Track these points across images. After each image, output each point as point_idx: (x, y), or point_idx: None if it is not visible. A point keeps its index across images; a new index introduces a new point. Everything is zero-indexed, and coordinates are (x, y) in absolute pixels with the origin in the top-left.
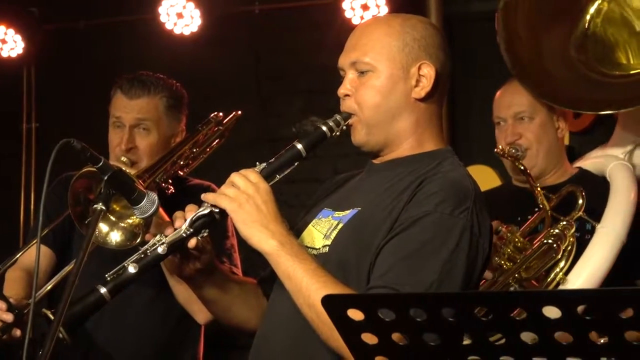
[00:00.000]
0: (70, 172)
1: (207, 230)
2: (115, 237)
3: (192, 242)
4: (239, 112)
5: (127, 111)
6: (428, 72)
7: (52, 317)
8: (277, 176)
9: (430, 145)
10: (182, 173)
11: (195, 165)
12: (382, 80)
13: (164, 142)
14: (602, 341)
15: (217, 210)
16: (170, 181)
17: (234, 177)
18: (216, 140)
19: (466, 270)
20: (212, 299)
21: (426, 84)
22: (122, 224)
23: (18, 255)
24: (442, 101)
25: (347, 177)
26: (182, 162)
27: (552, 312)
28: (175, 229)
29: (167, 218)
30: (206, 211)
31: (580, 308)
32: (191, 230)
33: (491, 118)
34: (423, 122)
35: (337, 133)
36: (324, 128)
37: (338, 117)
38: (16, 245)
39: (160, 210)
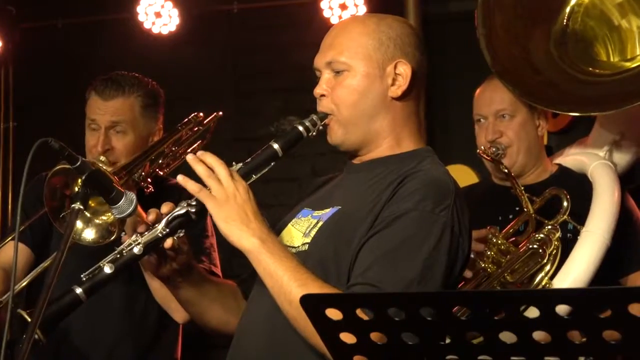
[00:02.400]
0: (47, 171)
1: (183, 231)
2: (90, 234)
3: (168, 243)
4: (220, 113)
5: (102, 113)
6: (404, 71)
7: (28, 318)
8: (254, 176)
9: (409, 145)
10: (162, 173)
11: (176, 165)
12: (358, 80)
13: (141, 142)
14: (582, 339)
15: (193, 210)
16: (149, 180)
17: (218, 168)
18: (197, 142)
19: (446, 267)
20: (189, 300)
21: (402, 83)
22: (97, 221)
23: None
24: (420, 100)
25: (327, 179)
26: (161, 161)
27: (530, 311)
28: (149, 227)
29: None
30: (182, 211)
31: (558, 308)
32: (167, 230)
33: (469, 118)
34: (401, 121)
35: (314, 133)
36: (301, 128)
37: (314, 117)
38: None
39: (139, 209)
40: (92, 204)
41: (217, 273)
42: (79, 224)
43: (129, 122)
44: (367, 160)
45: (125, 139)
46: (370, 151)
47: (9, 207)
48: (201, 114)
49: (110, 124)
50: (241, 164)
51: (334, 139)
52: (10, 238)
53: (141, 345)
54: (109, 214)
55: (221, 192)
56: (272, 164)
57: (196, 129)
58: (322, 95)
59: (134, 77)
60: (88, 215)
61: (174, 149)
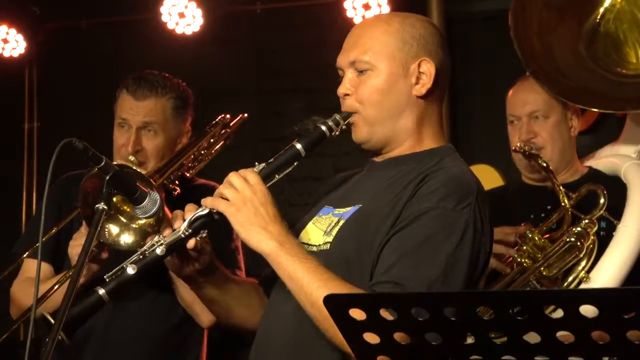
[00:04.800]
0: (71, 172)
1: (205, 231)
2: (127, 238)
3: (191, 243)
4: (245, 115)
5: (134, 113)
6: (428, 69)
7: (51, 319)
8: (277, 176)
9: (431, 143)
10: (188, 174)
11: (201, 167)
12: (382, 79)
13: (170, 143)
14: (606, 340)
15: (215, 211)
16: (177, 182)
17: (232, 177)
18: (221, 142)
19: (469, 265)
20: (212, 299)
21: (426, 81)
22: (134, 225)
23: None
24: (442, 98)
25: (348, 176)
26: (189, 164)
27: (554, 311)
28: (174, 230)
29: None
30: (205, 212)
31: (582, 308)
32: (190, 231)
33: (493, 118)
34: (425, 119)
35: (337, 133)
36: (323, 128)
37: (337, 116)
38: None
39: (167, 211)
40: (127, 209)
41: (241, 276)
42: (114, 229)
43: (160, 123)
44: (388, 158)
45: (155, 139)
46: (393, 149)
47: (33, 207)
48: (228, 116)
49: (142, 124)
50: (264, 163)
51: (359, 137)
52: (29, 252)
53: (165, 348)
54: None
55: (237, 198)
56: (295, 163)
57: (223, 130)
58: (346, 95)
59: (166, 77)
60: (124, 220)
61: (202, 152)
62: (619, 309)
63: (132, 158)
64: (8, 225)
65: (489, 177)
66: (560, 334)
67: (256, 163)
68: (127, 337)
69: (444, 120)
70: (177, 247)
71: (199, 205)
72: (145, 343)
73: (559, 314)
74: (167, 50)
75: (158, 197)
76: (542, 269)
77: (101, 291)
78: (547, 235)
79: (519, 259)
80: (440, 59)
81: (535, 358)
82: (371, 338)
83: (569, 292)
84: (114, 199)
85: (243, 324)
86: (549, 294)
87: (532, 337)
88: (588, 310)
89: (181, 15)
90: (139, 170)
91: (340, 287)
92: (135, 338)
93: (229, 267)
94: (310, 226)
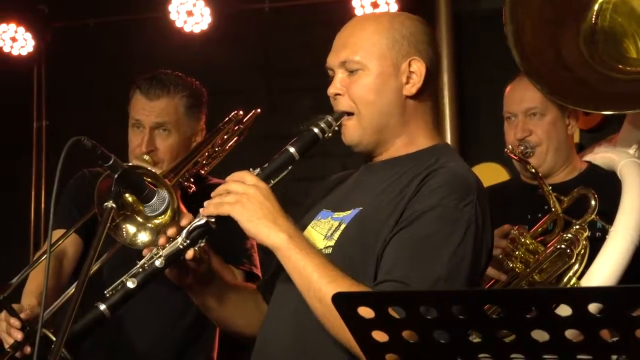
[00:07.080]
0: (88, 168)
1: (203, 241)
2: (144, 237)
3: (190, 254)
4: (258, 110)
5: (147, 113)
6: (418, 69)
7: (52, 337)
8: (272, 181)
9: (424, 142)
10: (203, 172)
11: (215, 163)
12: (373, 79)
13: (184, 142)
14: (614, 338)
15: (212, 220)
16: (192, 180)
17: (229, 184)
18: (234, 139)
19: (471, 262)
20: (210, 306)
21: (417, 81)
22: (150, 225)
23: (28, 270)
24: (434, 97)
25: (342, 178)
26: (204, 162)
27: (562, 309)
28: (169, 239)
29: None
30: (202, 221)
31: (590, 306)
32: (188, 241)
33: (501, 116)
34: (415, 118)
35: (330, 134)
36: (316, 130)
37: (329, 117)
38: (26, 244)
39: (183, 208)
40: (143, 209)
41: (257, 274)
42: (131, 229)
43: (173, 123)
44: (383, 159)
45: (169, 139)
46: (386, 150)
47: (42, 206)
48: (241, 112)
49: (155, 124)
50: (258, 169)
51: (349, 139)
52: (44, 256)
53: (178, 345)
54: (162, 216)
55: (239, 197)
56: (290, 167)
57: (236, 127)
58: (337, 95)
59: (178, 76)
60: (140, 220)
61: (216, 149)
62: (627, 307)
63: (146, 157)
64: (17, 223)
65: (496, 175)
66: (569, 332)
67: (250, 169)
68: (141, 335)
69: (451, 118)
70: (176, 258)
71: (195, 215)
72: (159, 340)
73: (566, 312)
74: (175, 48)
75: (167, 195)
76: (534, 274)
77: (102, 307)
78: (540, 238)
79: (511, 265)
80: (430, 58)
81: (544, 356)
82: (379, 336)
83: (578, 290)
84: (130, 199)
85: (242, 330)
86: (558, 292)
87: (541, 336)
88: (596, 308)
89: (189, 13)
90: (153, 169)
91: (349, 285)
92: (149, 335)
93: (245, 265)
94: (309, 230)
